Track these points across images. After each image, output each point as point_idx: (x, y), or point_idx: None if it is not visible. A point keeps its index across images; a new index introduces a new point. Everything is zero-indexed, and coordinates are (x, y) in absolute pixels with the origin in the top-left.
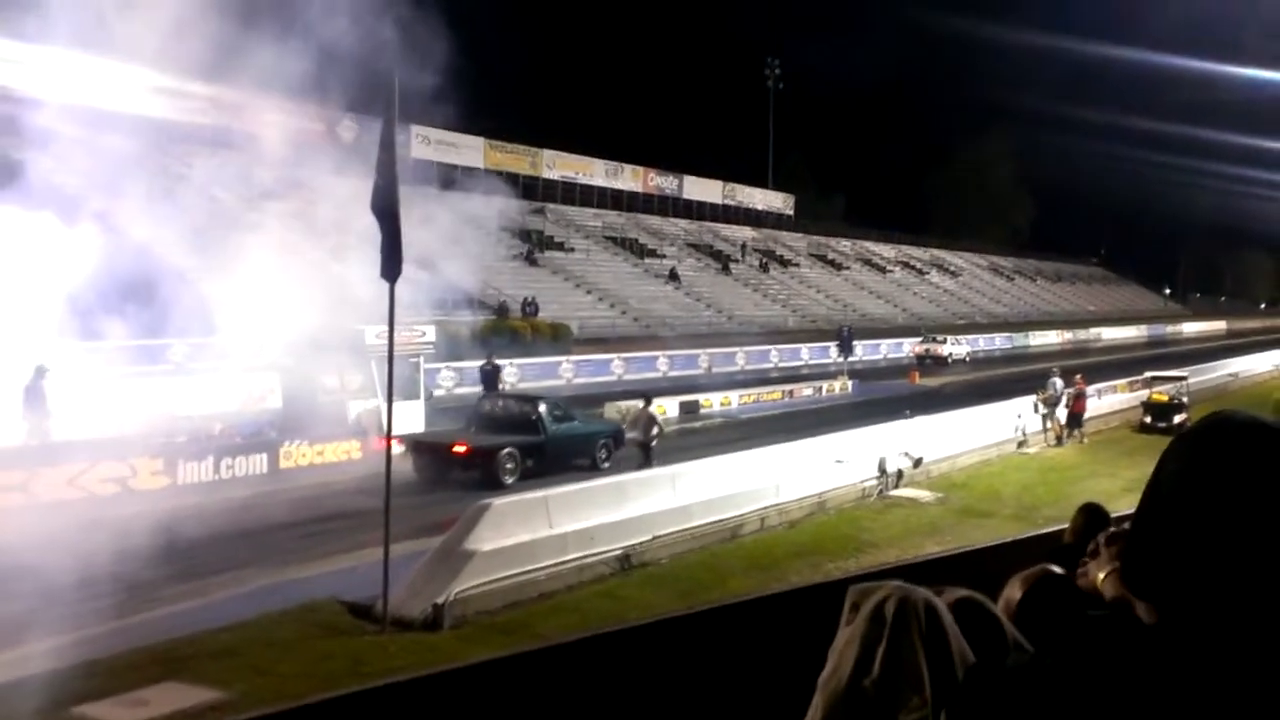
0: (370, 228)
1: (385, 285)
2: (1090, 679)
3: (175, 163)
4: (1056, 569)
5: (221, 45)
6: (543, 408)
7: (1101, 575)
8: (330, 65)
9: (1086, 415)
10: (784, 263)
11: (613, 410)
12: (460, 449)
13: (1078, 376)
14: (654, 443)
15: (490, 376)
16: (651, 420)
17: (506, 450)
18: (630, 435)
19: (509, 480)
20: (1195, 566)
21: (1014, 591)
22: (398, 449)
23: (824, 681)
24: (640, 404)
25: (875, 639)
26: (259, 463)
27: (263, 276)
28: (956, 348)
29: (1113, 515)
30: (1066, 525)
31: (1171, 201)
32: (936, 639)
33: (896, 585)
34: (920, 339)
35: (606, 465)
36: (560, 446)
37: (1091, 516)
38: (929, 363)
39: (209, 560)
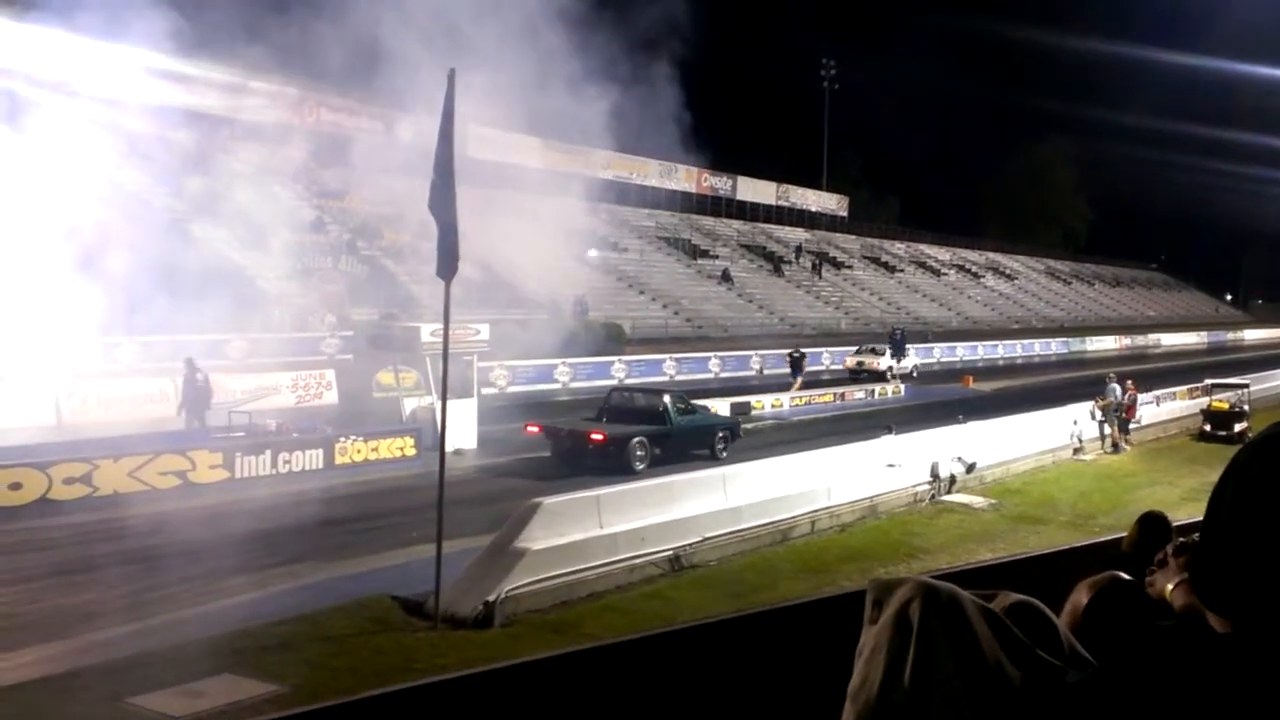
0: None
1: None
2: (1162, 693)
3: (230, 158)
4: (1125, 575)
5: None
6: (668, 399)
7: (1170, 586)
8: (387, 63)
9: (1142, 422)
10: (837, 264)
11: None
12: (597, 437)
13: (1129, 381)
14: None
15: (797, 363)
16: None
17: (637, 439)
18: None
19: (639, 467)
20: (1270, 577)
21: (1080, 596)
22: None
23: (853, 693)
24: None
25: (903, 648)
26: (315, 458)
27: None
28: (897, 361)
29: (1174, 525)
30: (1123, 534)
31: (1234, 206)
32: (966, 645)
33: (919, 582)
34: (854, 349)
35: (724, 455)
36: (683, 436)
37: (1151, 526)
38: (864, 377)
39: (265, 554)
